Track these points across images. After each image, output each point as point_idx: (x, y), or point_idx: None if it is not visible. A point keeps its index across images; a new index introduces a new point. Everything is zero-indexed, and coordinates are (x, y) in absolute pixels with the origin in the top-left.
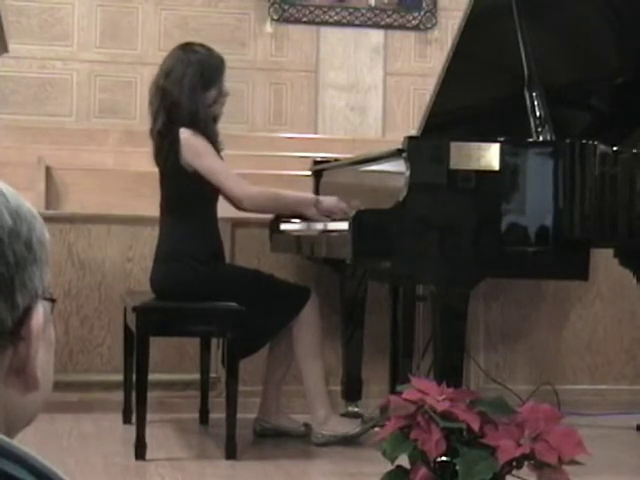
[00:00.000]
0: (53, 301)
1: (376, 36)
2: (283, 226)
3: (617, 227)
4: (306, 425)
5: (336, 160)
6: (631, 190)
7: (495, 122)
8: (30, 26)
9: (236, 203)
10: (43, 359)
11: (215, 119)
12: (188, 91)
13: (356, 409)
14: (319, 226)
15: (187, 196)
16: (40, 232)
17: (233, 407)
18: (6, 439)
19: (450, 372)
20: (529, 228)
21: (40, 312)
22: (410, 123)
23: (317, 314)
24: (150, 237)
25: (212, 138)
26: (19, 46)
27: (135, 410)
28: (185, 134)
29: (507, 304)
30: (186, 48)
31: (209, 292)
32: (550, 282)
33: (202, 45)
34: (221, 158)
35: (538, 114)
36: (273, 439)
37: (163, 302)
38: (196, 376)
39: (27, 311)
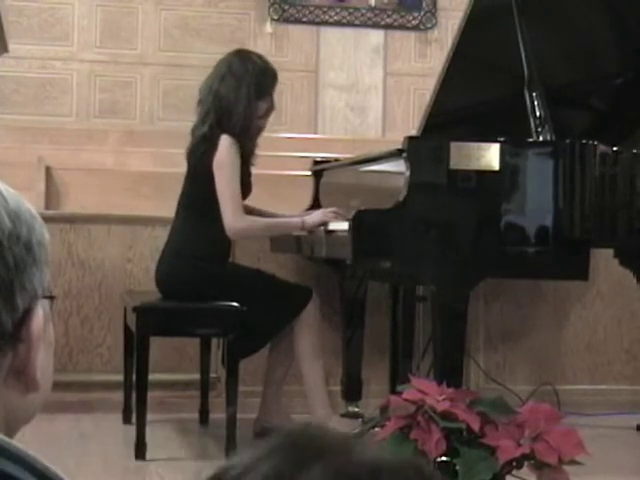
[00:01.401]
0: (52, 298)
1: (376, 36)
2: None
3: (617, 227)
4: None
5: (336, 160)
6: (631, 190)
7: (495, 122)
8: (30, 26)
9: (225, 227)
10: (43, 359)
11: (259, 131)
12: (244, 100)
13: (356, 409)
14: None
15: (210, 196)
16: (40, 233)
17: (233, 407)
18: (7, 439)
19: (450, 372)
20: (529, 228)
21: (40, 314)
22: (410, 123)
23: (318, 314)
24: (150, 237)
25: (251, 150)
26: (19, 46)
27: (135, 410)
28: (225, 141)
29: (507, 304)
30: (243, 55)
31: (210, 291)
32: (550, 282)
33: (259, 56)
34: (249, 172)
35: (538, 114)
36: None
37: (163, 302)
38: (196, 376)
39: (27, 312)
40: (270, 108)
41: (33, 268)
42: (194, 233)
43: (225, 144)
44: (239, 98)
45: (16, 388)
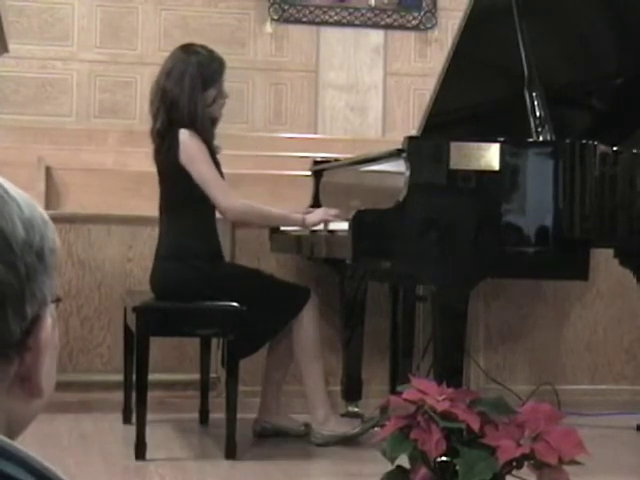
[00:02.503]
0: (59, 300)
1: (376, 36)
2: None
3: (617, 227)
4: (306, 425)
5: (336, 160)
6: (631, 190)
7: (495, 122)
8: (30, 26)
9: (221, 212)
10: (47, 365)
11: (214, 121)
12: (188, 90)
13: (356, 409)
14: (319, 227)
15: (186, 194)
16: (52, 240)
17: (233, 407)
18: (7, 440)
19: (450, 372)
20: (529, 228)
21: (48, 322)
22: (410, 123)
23: (317, 314)
24: (150, 237)
25: (209, 140)
26: (19, 46)
27: (135, 410)
28: (184, 135)
29: (507, 304)
30: (187, 49)
31: (209, 291)
32: (550, 282)
33: (203, 46)
34: (217, 161)
35: (538, 114)
36: (273, 439)
37: (163, 302)
38: (196, 376)
39: (35, 320)
40: (219, 96)
41: (44, 276)
42: (184, 234)
43: (185, 138)
44: (183, 90)
45: (20, 395)
